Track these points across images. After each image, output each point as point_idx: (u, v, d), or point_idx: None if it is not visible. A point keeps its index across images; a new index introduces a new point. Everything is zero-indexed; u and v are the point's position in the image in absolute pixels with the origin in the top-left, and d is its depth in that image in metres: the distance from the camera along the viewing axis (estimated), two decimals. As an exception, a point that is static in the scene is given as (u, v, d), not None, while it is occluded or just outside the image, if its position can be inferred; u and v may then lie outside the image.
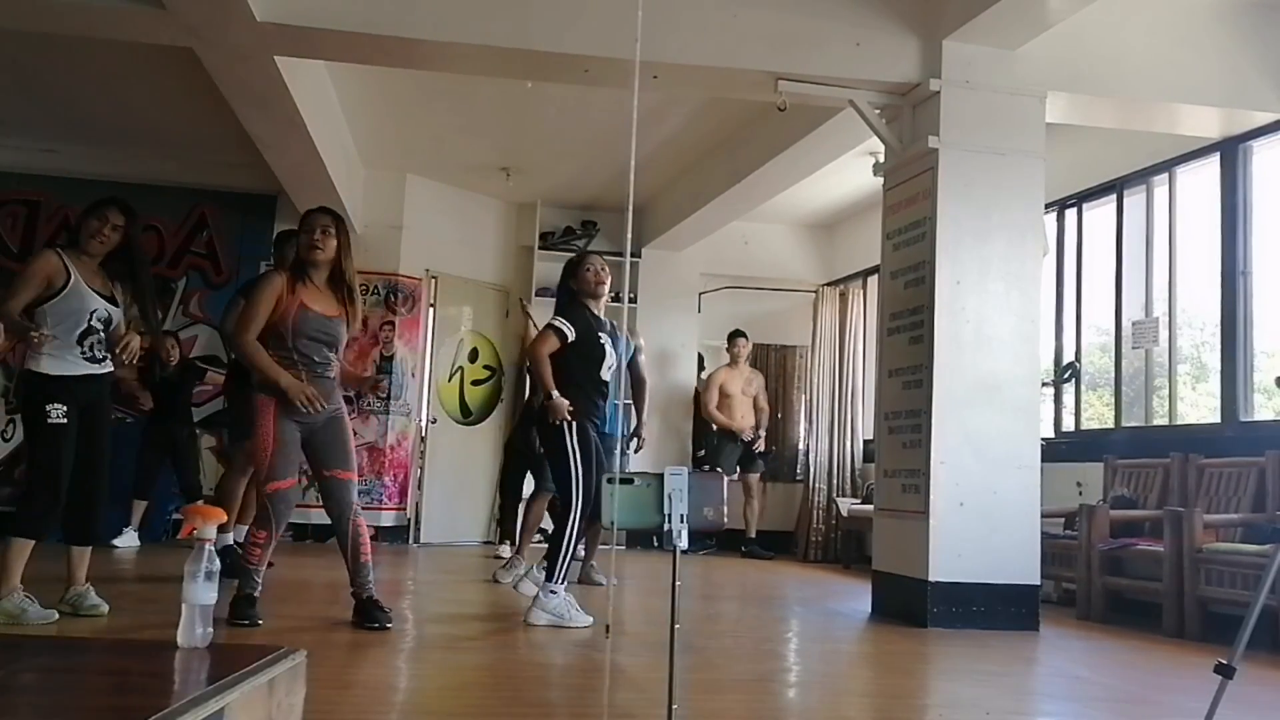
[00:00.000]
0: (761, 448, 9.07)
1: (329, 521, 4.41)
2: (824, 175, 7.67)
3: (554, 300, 5.09)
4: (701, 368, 9.69)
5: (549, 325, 4.76)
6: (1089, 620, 5.50)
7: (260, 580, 4.24)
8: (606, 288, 4.86)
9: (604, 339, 4.73)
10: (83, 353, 4.15)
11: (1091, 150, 6.58)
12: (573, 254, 5.79)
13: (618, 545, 3.53)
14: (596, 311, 4.80)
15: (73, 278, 4.13)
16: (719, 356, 9.54)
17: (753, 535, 8.85)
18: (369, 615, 4.24)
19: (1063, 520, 6.03)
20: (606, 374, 4.73)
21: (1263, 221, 5.82)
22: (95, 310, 4.16)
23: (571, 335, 4.67)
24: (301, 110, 6.09)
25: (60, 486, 4.06)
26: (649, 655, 3.49)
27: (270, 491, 4.19)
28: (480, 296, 9.49)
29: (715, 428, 9.03)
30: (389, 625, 4.23)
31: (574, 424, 4.59)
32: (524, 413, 7.60)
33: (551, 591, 4.51)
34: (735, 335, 9.20)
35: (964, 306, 5.19)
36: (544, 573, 4.66)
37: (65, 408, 4.07)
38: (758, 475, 8.99)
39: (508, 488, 7.64)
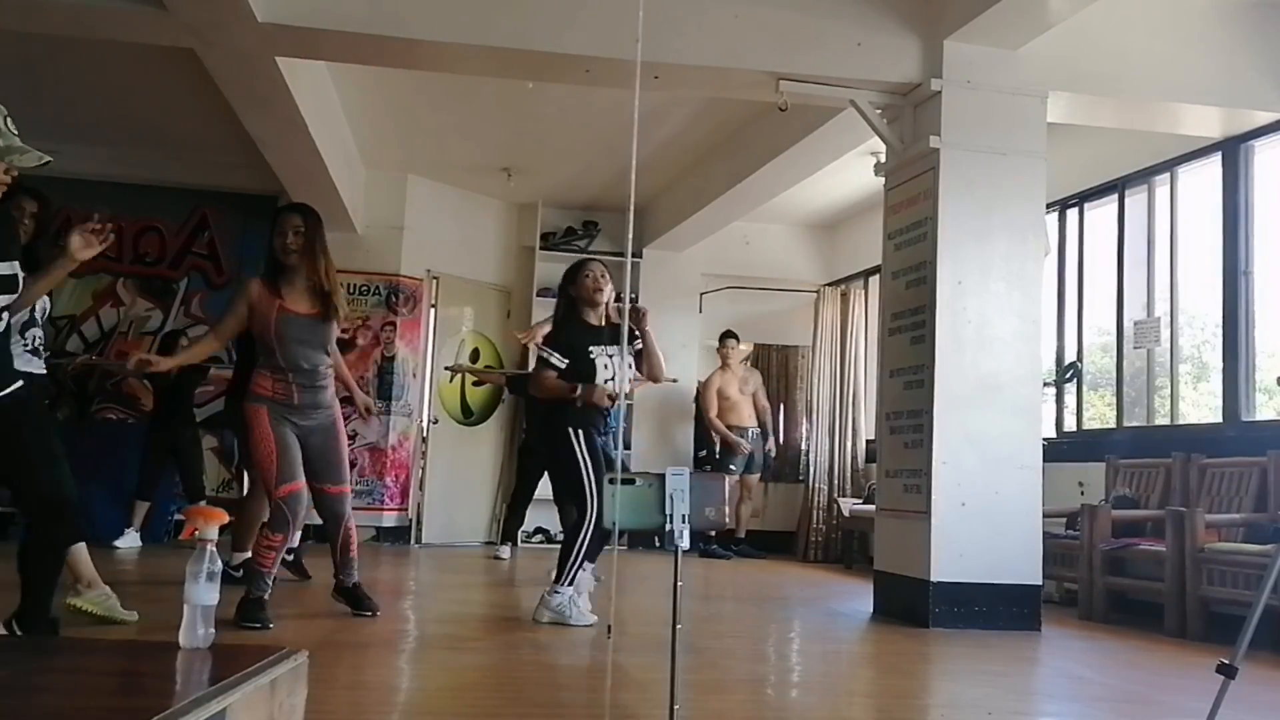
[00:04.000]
0: (773, 450, 9.07)
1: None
2: (825, 175, 7.67)
3: (554, 302, 5.05)
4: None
5: (540, 360, 4.71)
6: (1091, 620, 5.49)
7: (270, 584, 4.26)
8: (605, 295, 4.74)
9: (594, 352, 4.61)
10: (25, 345, 4.05)
11: (1093, 150, 6.58)
12: (575, 255, 5.73)
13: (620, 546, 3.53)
14: (593, 320, 4.72)
15: None
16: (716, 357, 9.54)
17: (742, 535, 8.85)
18: (359, 602, 4.54)
19: (1064, 520, 6.02)
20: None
21: (1264, 221, 5.82)
22: (41, 303, 4.08)
23: (562, 364, 4.59)
24: (302, 111, 6.09)
25: None
26: (651, 655, 3.49)
27: (284, 495, 4.19)
28: (481, 297, 9.49)
29: (718, 438, 8.83)
30: (378, 612, 4.54)
31: (581, 431, 4.54)
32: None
33: (556, 591, 4.53)
34: (725, 336, 9.02)
35: (965, 306, 5.19)
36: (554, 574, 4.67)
37: None
38: (756, 476, 8.97)
39: (521, 492, 7.56)
